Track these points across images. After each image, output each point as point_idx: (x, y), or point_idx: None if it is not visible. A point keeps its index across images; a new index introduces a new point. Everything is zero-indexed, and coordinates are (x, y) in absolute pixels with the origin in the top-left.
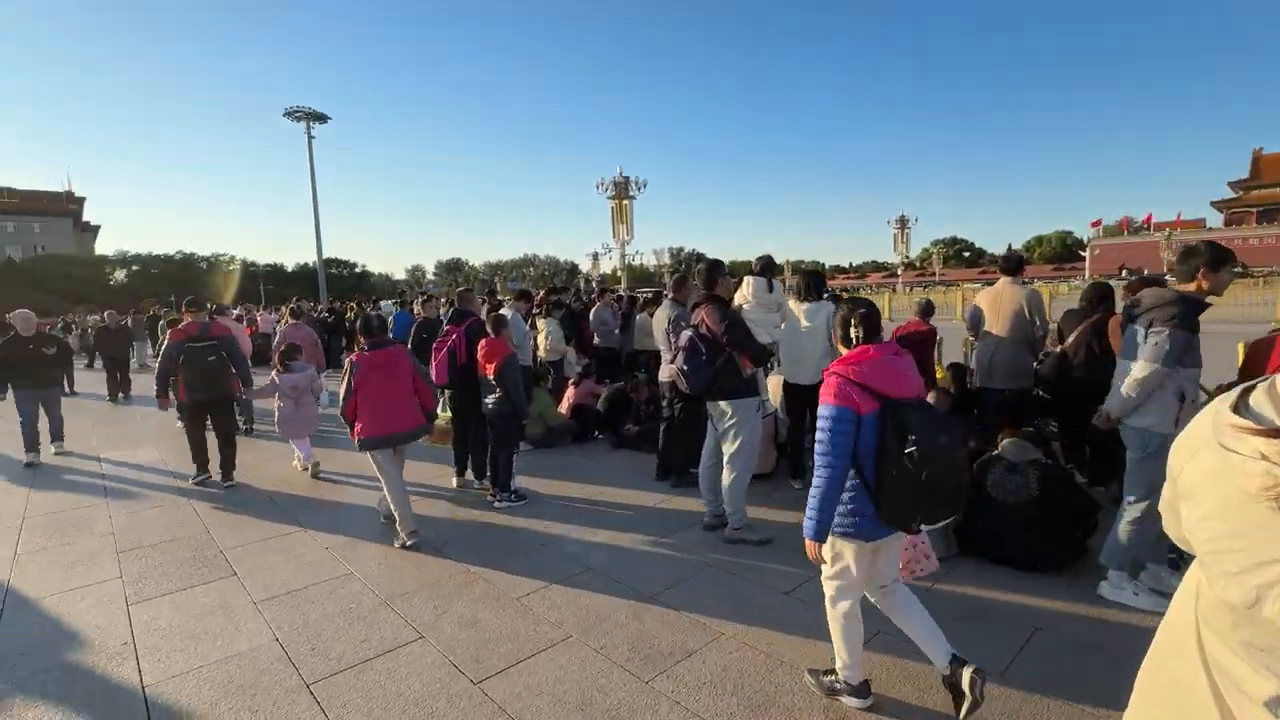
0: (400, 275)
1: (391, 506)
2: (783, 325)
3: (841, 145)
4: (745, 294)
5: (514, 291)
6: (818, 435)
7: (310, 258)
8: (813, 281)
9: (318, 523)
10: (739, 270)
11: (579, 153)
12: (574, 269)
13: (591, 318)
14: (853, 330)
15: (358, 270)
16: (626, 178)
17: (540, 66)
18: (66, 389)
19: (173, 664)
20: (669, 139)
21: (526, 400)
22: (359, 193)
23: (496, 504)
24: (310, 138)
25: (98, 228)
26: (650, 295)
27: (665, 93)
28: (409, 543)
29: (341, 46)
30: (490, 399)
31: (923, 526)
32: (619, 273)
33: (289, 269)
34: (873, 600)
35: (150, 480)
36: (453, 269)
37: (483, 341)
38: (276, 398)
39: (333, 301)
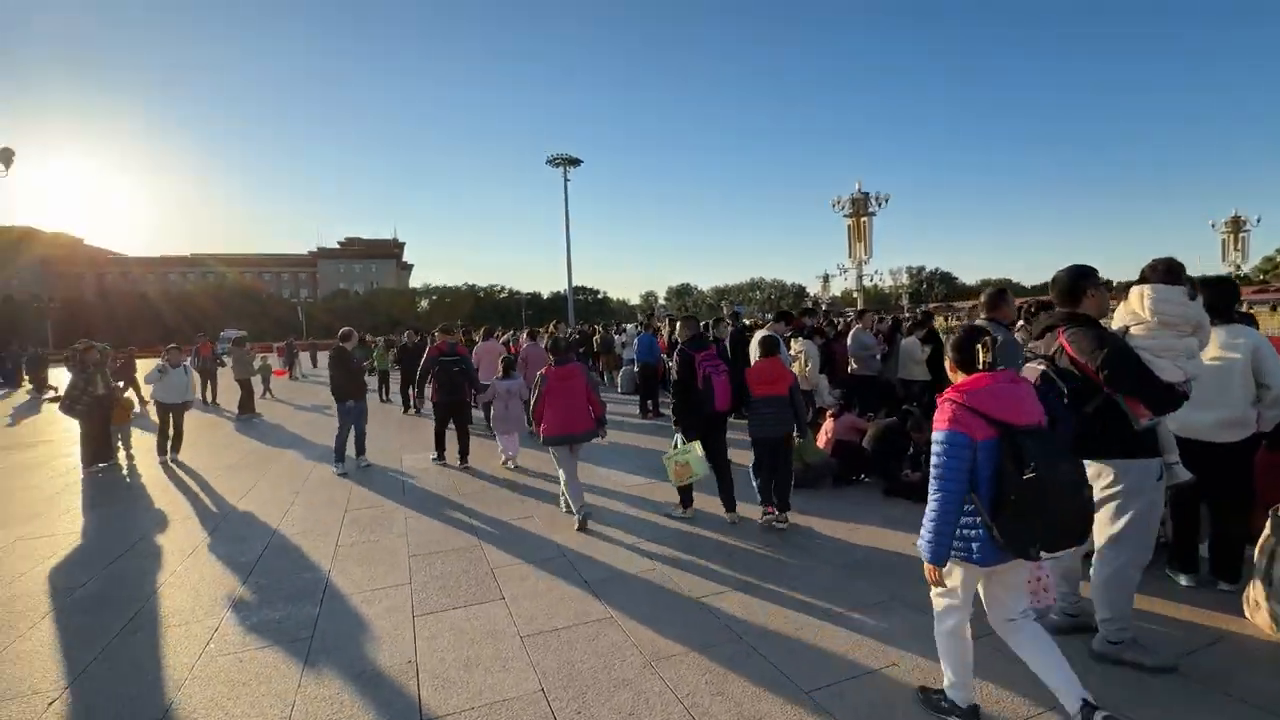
0: (635, 300)
1: (565, 491)
2: (1200, 354)
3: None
4: (1139, 309)
5: (735, 315)
6: (932, 459)
7: (561, 286)
8: (1226, 294)
9: (577, 547)
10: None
11: (804, 173)
12: (801, 292)
13: (850, 341)
14: (983, 355)
15: (599, 296)
16: (865, 194)
17: (754, 95)
18: (382, 397)
19: (449, 697)
20: (904, 152)
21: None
22: (600, 224)
23: (776, 524)
24: (566, 180)
25: (411, 266)
26: (918, 317)
27: (903, 109)
28: (579, 519)
29: (588, 100)
30: (763, 420)
31: (1043, 554)
32: (854, 294)
33: (544, 296)
34: (999, 633)
35: (432, 485)
36: (682, 294)
37: (760, 363)
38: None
39: (580, 325)
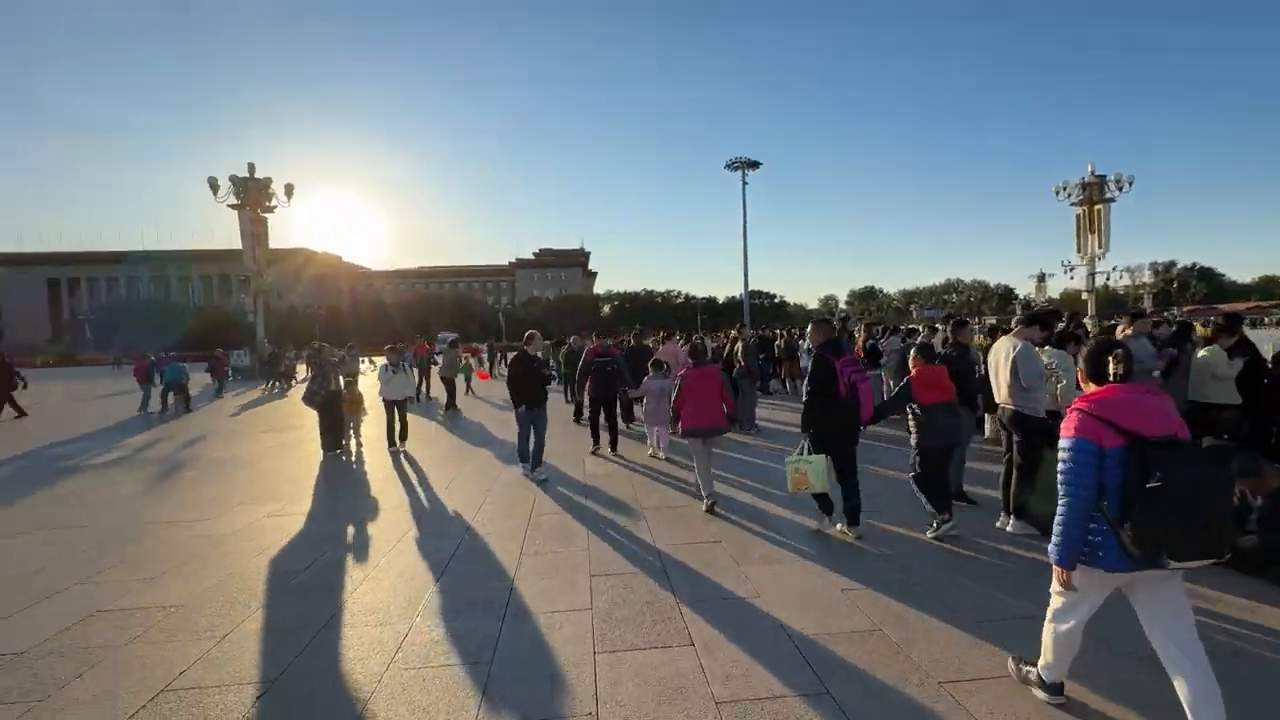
0: (813, 305)
1: (699, 478)
2: None
3: None
4: None
5: (975, 317)
6: (1059, 465)
7: (737, 289)
8: None
9: (771, 584)
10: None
11: (1012, 158)
12: (1008, 294)
13: None
14: (1113, 366)
15: (776, 300)
16: (1101, 177)
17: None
18: (567, 398)
19: None
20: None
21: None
22: (777, 226)
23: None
24: (745, 184)
25: (595, 273)
26: (1220, 322)
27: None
28: (706, 503)
29: (770, 99)
30: (936, 429)
31: (1171, 563)
32: (1084, 296)
33: (720, 301)
34: (1161, 660)
35: (616, 492)
36: (865, 297)
37: (924, 369)
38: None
39: (761, 328)
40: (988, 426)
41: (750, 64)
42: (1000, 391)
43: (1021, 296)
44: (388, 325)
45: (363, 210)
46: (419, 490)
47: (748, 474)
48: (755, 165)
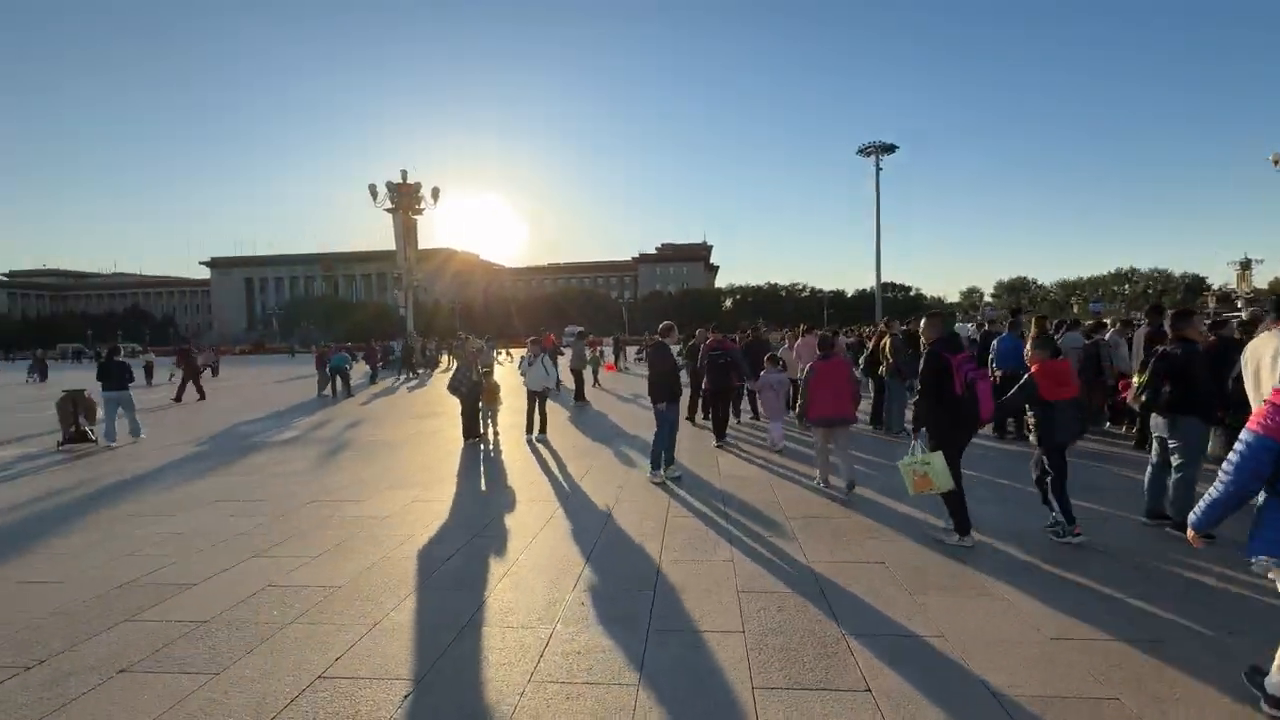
0: (954, 298)
1: (818, 464)
2: None
3: None
4: None
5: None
6: (1234, 451)
7: (866, 283)
8: None
9: (954, 621)
10: None
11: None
12: (1197, 284)
13: None
14: None
15: (911, 293)
16: None
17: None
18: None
19: None
20: None
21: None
22: (913, 215)
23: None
24: (878, 169)
25: (717, 267)
26: None
27: None
28: (843, 485)
29: (907, 79)
30: (1066, 425)
31: None
32: None
33: (848, 294)
34: None
35: (755, 499)
36: (1015, 289)
37: (1050, 364)
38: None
39: (907, 323)
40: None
41: (883, 49)
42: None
43: (1216, 287)
44: (524, 318)
45: (499, 211)
46: (553, 483)
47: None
48: (890, 149)
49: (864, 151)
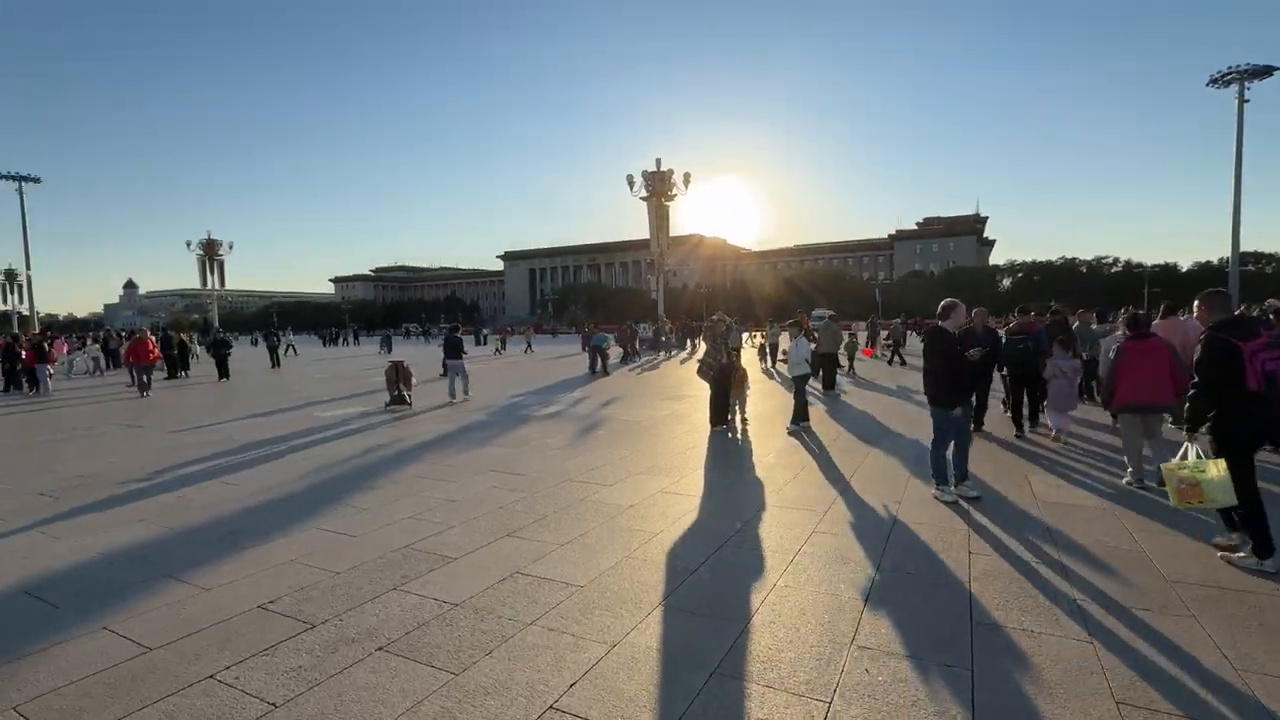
0: None
1: (1127, 457)
2: None
3: None
4: None
5: None
6: None
7: (1214, 253)
8: None
9: None
10: None
11: None
12: None
13: None
14: None
15: None
16: None
17: None
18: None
19: None
20: None
21: None
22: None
23: None
24: (1243, 102)
25: (993, 241)
26: None
27: None
28: (1129, 478)
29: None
30: None
31: None
32: None
33: (1181, 268)
34: None
35: (1085, 537)
36: None
37: None
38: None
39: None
40: None
41: None
42: None
43: None
44: (764, 302)
45: (745, 196)
46: (813, 487)
47: None
48: (1267, 72)
49: (1219, 80)
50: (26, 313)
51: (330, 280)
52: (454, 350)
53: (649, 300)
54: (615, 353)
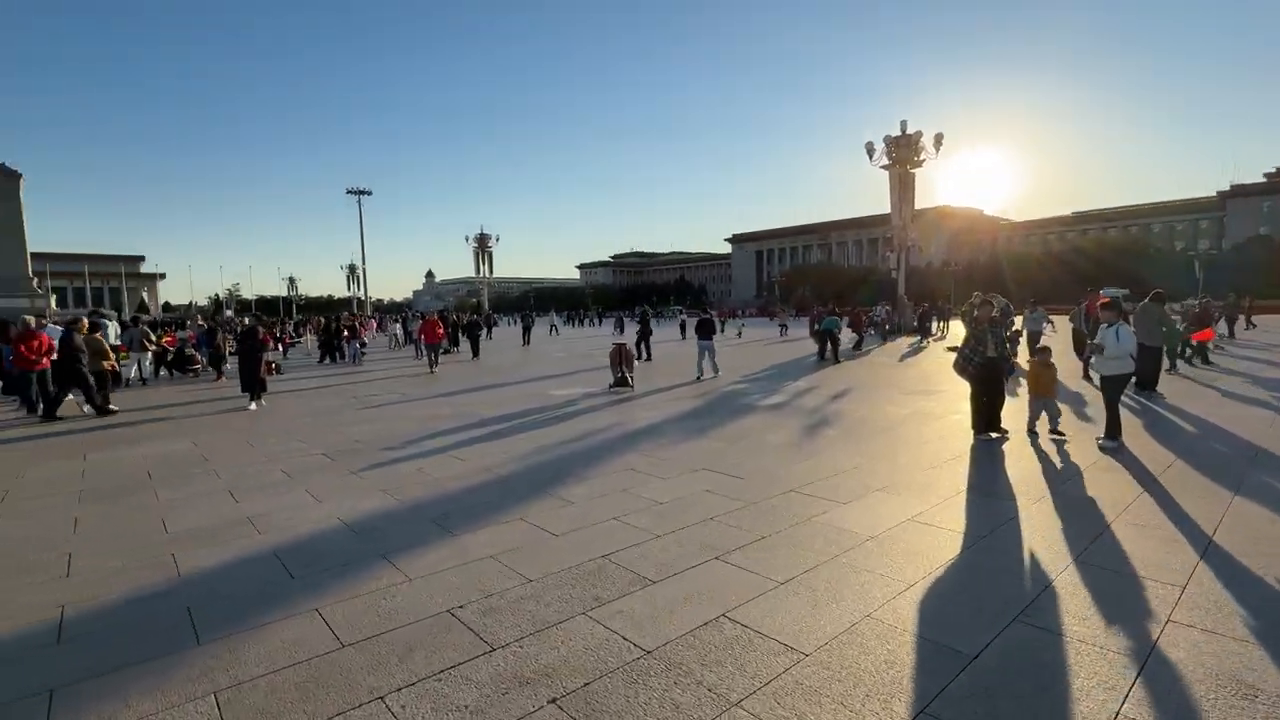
0: None
1: None
2: None
3: None
4: None
5: None
6: None
7: None
8: None
9: None
10: None
11: None
12: None
13: None
14: None
15: None
16: None
17: None
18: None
19: None
20: None
21: None
22: None
23: None
24: None
25: None
26: None
27: None
28: None
29: None
30: None
31: None
32: None
33: None
34: None
35: None
36: None
37: None
38: None
39: None
40: None
41: None
42: None
43: None
44: (1032, 280)
45: (1004, 162)
46: (1150, 536)
47: None
48: None
49: None
50: (363, 297)
51: (576, 266)
52: (707, 331)
53: (887, 279)
54: (849, 336)
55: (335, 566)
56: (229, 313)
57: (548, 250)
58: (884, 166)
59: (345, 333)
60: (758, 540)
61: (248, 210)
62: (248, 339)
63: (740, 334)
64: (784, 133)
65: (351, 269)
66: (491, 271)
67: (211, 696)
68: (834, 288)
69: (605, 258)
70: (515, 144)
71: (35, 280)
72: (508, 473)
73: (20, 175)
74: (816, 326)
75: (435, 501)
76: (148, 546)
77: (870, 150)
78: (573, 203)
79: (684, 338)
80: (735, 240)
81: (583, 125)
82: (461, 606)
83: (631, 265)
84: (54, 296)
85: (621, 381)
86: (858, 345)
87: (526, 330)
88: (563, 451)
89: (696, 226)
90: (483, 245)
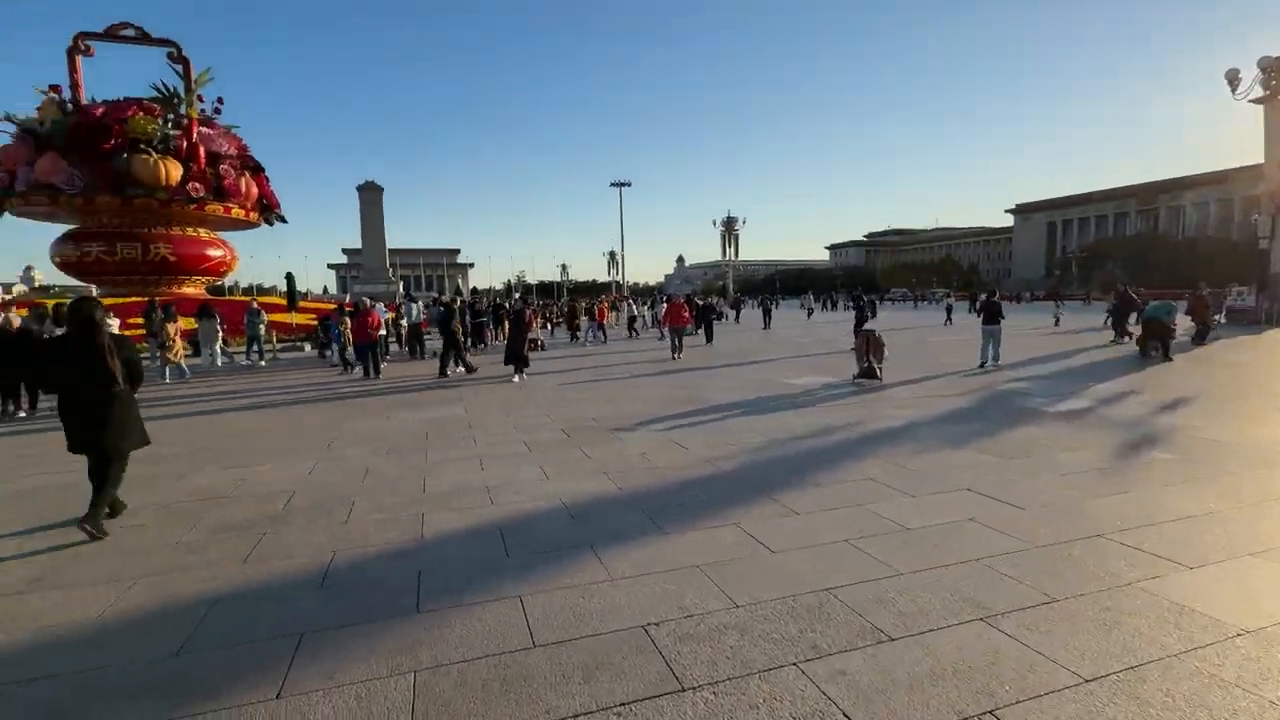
0: None
1: None
2: None
3: None
4: None
5: None
6: None
7: None
8: None
9: None
10: None
11: None
12: None
13: None
14: None
15: None
16: None
17: None
18: None
19: None
20: None
21: None
22: None
23: None
24: None
25: None
26: None
27: None
28: None
29: None
30: None
31: None
32: None
33: None
34: None
35: None
36: None
37: None
38: None
39: None
40: None
41: None
42: None
43: None
44: None
45: None
46: None
47: None
48: None
49: None
50: (621, 281)
51: (825, 247)
52: (993, 315)
53: (1249, 250)
54: (1183, 328)
55: (546, 551)
56: (516, 296)
57: (797, 231)
58: (1255, 100)
59: (582, 316)
60: (1046, 604)
61: (534, 205)
62: (516, 319)
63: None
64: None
65: (611, 255)
66: (737, 254)
67: (412, 675)
68: (1161, 262)
69: (859, 236)
70: (758, 124)
71: (390, 270)
72: (730, 468)
73: (382, 189)
74: (1133, 317)
75: (652, 492)
76: (407, 504)
77: (1233, 80)
78: (824, 182)
79: (949, 322)
80: (1019, 210)
81: (838, 107)
82: (657, 624)
83: (889, 243)
84: (400, 283)
85: (868, 373)
86: (1200, 337)
87: (766, 314)
88: (793, 449)
89: (967, 199)
90: (729, 229)
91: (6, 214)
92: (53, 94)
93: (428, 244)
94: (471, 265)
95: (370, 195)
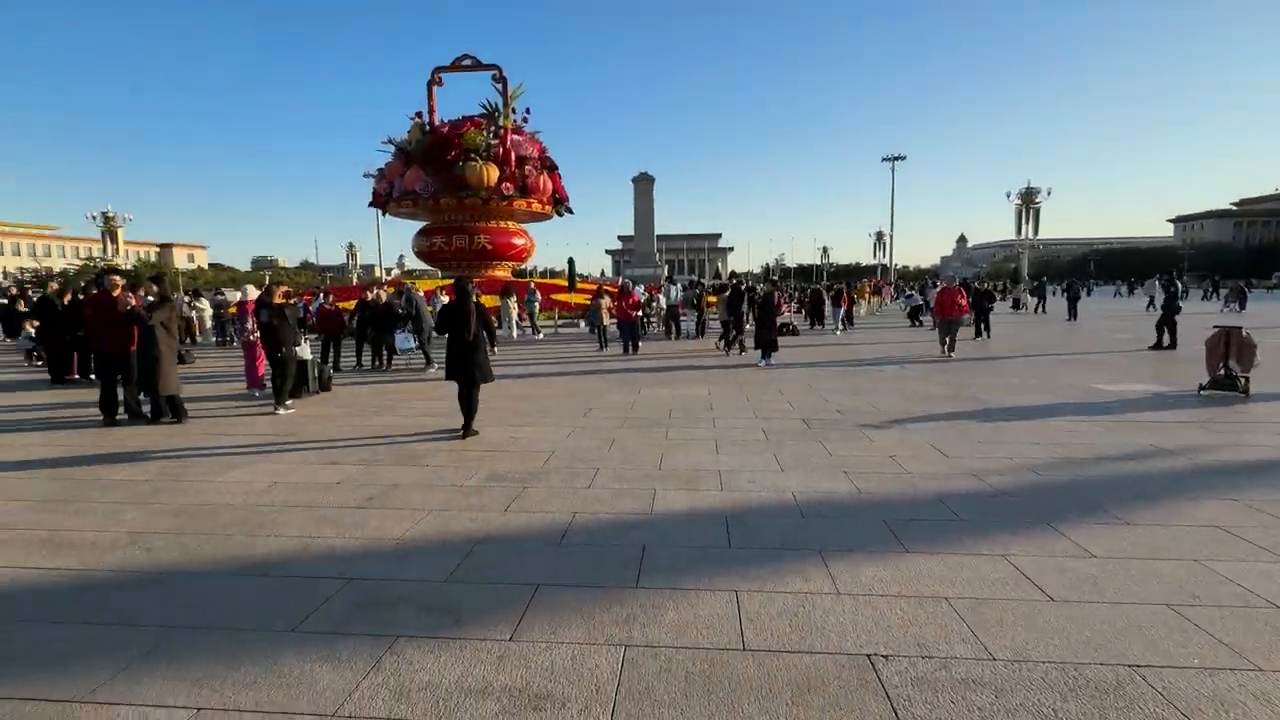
0: None
1: None
2: None
3: None
4: None
5: None
6: None
7: None
8: None
9: None
10: None
11: None
12: None
13: None
14: None
15: None
16: None
17: None
18: None
19: None
20: None
21: None
22: None
23: None
24: None
25: None
26: None
27: None
28: None
29: None
30: None
31: None
32: None
33: None
34: None
35: None
36: None
37: None
38: None
39: None
40: None
41: None
42: None
43: None
44: None
45: None
46: None
47: None
48: None
49: None
50: (888, 264)
51: (1169, 220)
52: None
53: None
54: None
55: (771, 548)
56: (774, 278)
57: (1119, 203)
58: None
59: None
60: None
61: (792, 190)
62: (765, 303)
63: None
64: None
65: (879, 235)
66: (1037, 231)
67: (622, 649)
68: None
69: (1224, 205)
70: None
71: (657, 255)
72: (1002, 484)
73: (653, 179)
74: None
75: (897, 501)
76: (643, 477)
77: None
78: (1157, 140)
79: None
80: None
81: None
82: (886, 658)
83: (1266, 214)
84: (665, 267)
85: (1225, 383)
86: None
87: (1073, 302)
88: (1092, 473)
89: None
90: (1027, 202)
91: (387, 215)
92: (417, 119)
93: (692, 229)
94: (731, 249)
95: (642, 186)
